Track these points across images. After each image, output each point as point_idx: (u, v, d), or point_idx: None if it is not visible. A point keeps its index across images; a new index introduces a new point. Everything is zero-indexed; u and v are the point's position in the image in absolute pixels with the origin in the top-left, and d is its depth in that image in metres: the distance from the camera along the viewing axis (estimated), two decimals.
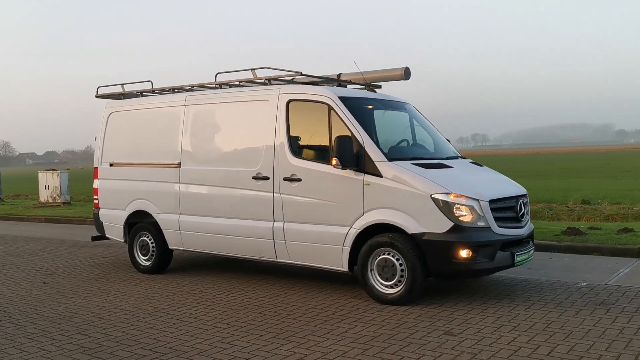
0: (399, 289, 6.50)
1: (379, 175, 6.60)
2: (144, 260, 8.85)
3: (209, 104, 8.27)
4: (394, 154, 6.91)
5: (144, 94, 9.31)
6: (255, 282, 7.91)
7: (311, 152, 7.24)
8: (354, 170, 6.72)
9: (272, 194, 7.35)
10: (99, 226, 9.52)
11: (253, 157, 7.58)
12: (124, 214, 9.00)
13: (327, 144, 6.99)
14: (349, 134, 6.78)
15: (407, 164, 6.73)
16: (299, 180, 7.13)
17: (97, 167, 9.50)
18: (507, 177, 7.65)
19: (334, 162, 6.73)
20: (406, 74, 8.12)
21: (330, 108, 7.02)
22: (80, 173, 43.85)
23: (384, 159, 6.67)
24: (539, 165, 50.57)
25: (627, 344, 5.03)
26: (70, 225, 16.49)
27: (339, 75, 8.31)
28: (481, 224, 6.39)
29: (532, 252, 7.02)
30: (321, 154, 7.08)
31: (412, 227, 6.40)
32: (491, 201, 6.51)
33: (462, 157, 7.92)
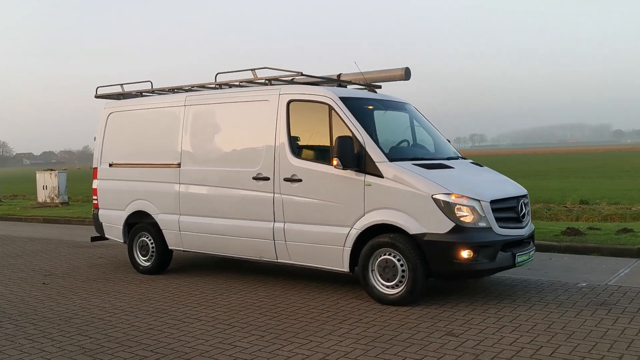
0: (400, 289, 6.49)
1: (380, 175, 6.59)
2: (144, 260, 8.84)
3: (209, 104, 8.25)
4: (394, 155, 6.90)
5: (143, 94, 9.29)
6: (255, 283, 7.89)
7: (312, 153, 7.23)
8: (355, 171, 6.71)
9: (272, 195, 7.34)
10: (99, 227, 9.49)
11: (253, 157, 7.57)
12: (123, 215, 8.98)
13: (328, 144, 6.98)
14: (350, 135, 6.77)
15: (408, 164, 6.72)
16: (300, 180, 7.12)
17: (96, 168, 9.48)
18: (507, 178, 7.64)
19: (334, 162, 6.72)
20: (406, 74, 8.10)
21: (330, 108, 7.01)
22: (77, 173, 43.84)
23: (385, 159, 6.66)
24: (536, 165, 50.62)
25: (629, 345, 5.03)
26: (69, 225, 16.47)
27: (339, 76, 8.30)
28: (482, 224, 6.38)
29: (533, 252, 7.01)
30: (322, 155, 7.07)
31: (413, 227, 6.39)
32: (492, 201, 6.51)
33: (462, 158, 7.91)
